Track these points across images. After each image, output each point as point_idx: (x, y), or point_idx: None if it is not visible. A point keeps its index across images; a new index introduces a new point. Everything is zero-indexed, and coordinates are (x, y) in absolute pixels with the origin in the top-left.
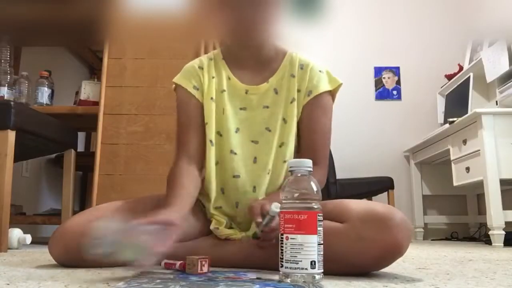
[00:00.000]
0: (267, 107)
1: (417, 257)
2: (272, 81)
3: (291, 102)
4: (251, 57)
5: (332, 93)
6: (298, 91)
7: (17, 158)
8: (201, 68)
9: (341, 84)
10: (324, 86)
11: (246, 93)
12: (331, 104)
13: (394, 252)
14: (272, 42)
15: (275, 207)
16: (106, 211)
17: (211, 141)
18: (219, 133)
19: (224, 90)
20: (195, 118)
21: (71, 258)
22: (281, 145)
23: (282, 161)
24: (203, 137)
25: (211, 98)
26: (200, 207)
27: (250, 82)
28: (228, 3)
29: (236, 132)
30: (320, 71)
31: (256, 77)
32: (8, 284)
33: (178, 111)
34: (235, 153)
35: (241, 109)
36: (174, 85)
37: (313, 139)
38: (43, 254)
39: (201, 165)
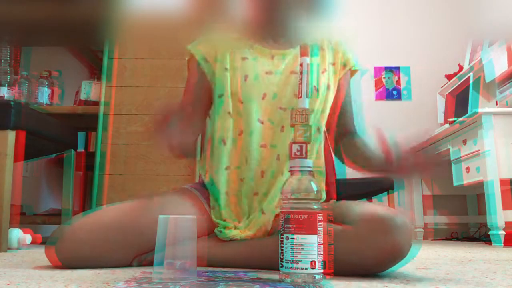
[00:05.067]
0: (296, 73)
1: (417, 257)
2: (299, 48)
3: (323, 73)
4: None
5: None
6: (333, 64)
7: (17, 158)
8: (216, 39)
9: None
10: (353, 61)
11: (272, 58)
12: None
13: (394, 254)
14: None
15: None
16: (115, 216)
17: (229, 112)
18: (240, 101)
19: (246, 58)
20: (199, 87)
21: (80, 260)
22: (311, 112)
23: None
24: (203, 106)
25: (225, 69)
26: (205, 208)
27: (276, 48)
28: None
29: (263, 98)
30: (346, 45)
31: (282, 44)
32: (8, 284)
33: (188, 74)
34: (262, 122)
35: (267, 73)
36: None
37: (350, 111)
38: (43, 254)
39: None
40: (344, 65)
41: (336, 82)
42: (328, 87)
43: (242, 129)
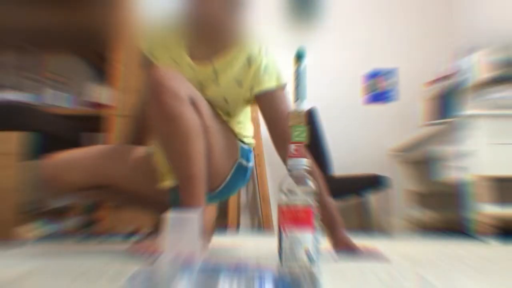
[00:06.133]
0: (206, 86)
1: (410, 254)
2: (215, 63)
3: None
4: (205, 32)
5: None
6: (239, 83)
7: (26, 157)
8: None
9: (285, 84)
10: (268, 83)
11: (191, 68)
12: (283, 93)
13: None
14: (229, 27)
15: None
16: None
17: None
18: None
19: (176, 62)
20: None
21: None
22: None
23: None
24: None
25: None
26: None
27: (197, 56)
28: None
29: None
30: (265, 68)
31: (205, 51)
32: (11, 279)
33: None
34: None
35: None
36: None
37: (280, 126)
38: (48, 249)
39: None
40: (251, 88)
41: (244, 101)
42: (237, 101)
43: None
